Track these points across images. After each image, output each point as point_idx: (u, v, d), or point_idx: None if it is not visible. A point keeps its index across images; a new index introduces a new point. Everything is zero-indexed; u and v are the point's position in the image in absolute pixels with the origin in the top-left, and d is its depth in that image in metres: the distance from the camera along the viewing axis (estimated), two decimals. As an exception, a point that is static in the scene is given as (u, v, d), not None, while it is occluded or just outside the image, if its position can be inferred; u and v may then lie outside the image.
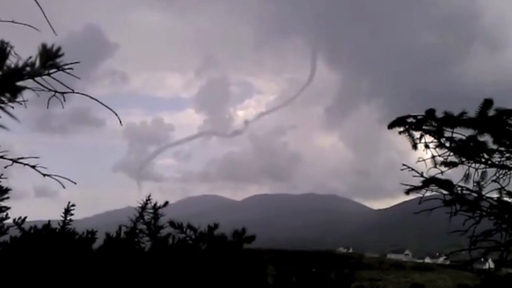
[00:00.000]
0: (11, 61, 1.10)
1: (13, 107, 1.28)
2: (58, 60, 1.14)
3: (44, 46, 1.12)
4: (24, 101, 2.90)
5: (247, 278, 5.10)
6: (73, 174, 3.77)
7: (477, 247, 5.80)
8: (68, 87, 3.09)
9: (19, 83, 1.11)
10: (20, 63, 1.10)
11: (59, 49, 1.12)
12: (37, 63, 1.12)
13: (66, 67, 2.32)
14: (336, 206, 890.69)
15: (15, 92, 1.11)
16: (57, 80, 2.69)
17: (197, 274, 4.78)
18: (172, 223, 5.13)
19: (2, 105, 1.11)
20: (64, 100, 3.18)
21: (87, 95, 3.35)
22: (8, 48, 1.10)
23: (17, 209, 5.06)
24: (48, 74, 2.12)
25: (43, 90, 2.75)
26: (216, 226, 5.13)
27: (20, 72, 1.08)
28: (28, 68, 1.10)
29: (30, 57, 1.11)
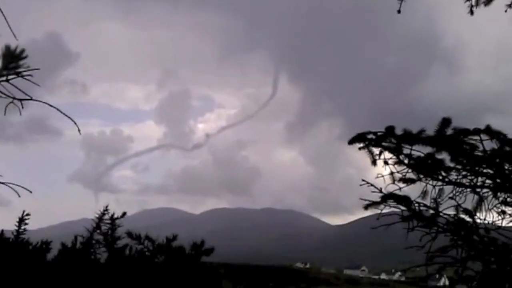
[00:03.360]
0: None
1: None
2: (21, 62, 1.11)
3: (7, 48, 1.09)
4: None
5: (204, 291, 5.06)
6: (27, 184, 3.65)
7: (434, 263, 5.86)
8: (26, 94, 3.01)
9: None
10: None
11: (22, 51, 1.10)
12: (0, 65, 1.09)
13: (25, 73, 2.27)
14: (294, 221, 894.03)
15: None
16: (16, 87, 2.61)
17: (153, 286, 4.73)
18: (129, 234, 5.07)
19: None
20: (22, 107, 3.11)
21: (46, 103, 3.27)
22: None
23: (-31, 219, 4.92)
24: (7, 80, 2.07)
25: (0, 96, 2.67)
26: (174, 237, 5.09)
27: (-20, 73, 1.05)
28: (-11, 69, 1.07)
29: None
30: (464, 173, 5.93)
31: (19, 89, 2.81)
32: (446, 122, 5.71)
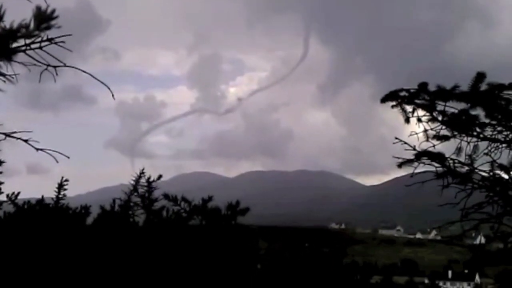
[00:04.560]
0: (5, 24, 1.10)
1: (4, 81, 1.26)
2: (52, 22, 1.13)
3: (38, 8, 1.11)
4: (15, 74, 2.86)
5: (240, 250, 5.13)
6: (64, 151, 3.73)
7: (469, 219, 5.85)
8: (60, 61, 3.05)
9: (14, 46, 1.10)
10: (15, 25, 1.09)
11: (53, 11, 1.11)
12: (32, 25, 1.11)
13: (58, 39, 2.29)
14: (328, 183, 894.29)
15: (9, 54, 1.10)
16: (49, 54, 2.64)
17: (191, 246, 4.81)
18: (166, 196, 5.15)
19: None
20: (57, 74, 3.15)
21: (80, 69, 3.31)
22: (2, 10, 1.09)
23: (9, 186, 5.05)
24: (41, 48, 2.10)
25: (35, 64, 2.69)
26: (210, 198, 5.15)
27: (14, 34, 1.07)
28: (23, 30, 1.09)
29: (24, 19, 1.10)
30: (499, 128, 5.85)
31: (53, 56, 2.84)
32: (480, 77, 5.62)
